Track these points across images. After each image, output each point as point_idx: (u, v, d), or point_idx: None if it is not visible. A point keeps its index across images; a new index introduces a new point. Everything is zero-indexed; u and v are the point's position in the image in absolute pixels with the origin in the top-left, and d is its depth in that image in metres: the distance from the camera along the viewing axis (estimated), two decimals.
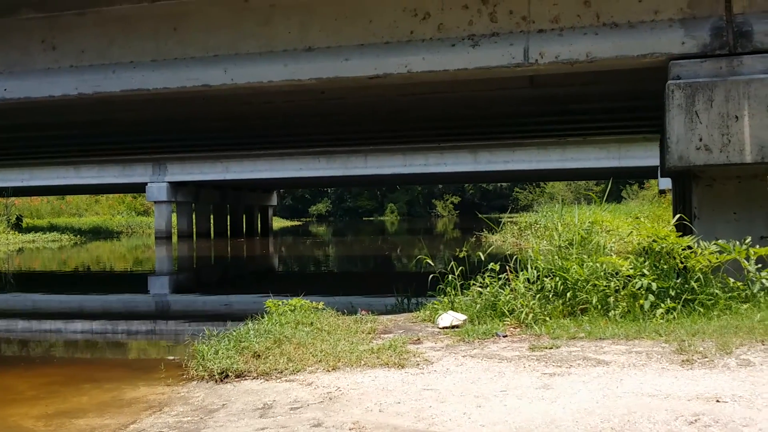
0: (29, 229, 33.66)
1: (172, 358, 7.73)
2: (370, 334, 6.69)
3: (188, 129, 14.93)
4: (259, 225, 40.84)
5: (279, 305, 7.68)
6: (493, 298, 7.15)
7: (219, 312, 12.17)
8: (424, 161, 30.16)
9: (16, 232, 31.70)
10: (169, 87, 8.72)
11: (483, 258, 7.58)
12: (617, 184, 45.03)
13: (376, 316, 7.62)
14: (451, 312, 7.08)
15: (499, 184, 70.75)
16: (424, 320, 7.39)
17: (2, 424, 4.92)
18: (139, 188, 34.73)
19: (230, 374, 5.61)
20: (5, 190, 32.02)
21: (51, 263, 23.10)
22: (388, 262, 23.74)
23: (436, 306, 7.47)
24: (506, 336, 6.31)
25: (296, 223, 67.99)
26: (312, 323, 6.95)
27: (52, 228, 35.34)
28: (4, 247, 27.44)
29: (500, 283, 7.28)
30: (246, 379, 5.52)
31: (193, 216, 34.60)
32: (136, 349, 9.12)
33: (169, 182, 31.96)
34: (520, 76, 8.84)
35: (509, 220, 25.39)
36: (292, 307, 7.63)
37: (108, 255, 27.09)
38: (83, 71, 8.82)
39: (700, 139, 7.18)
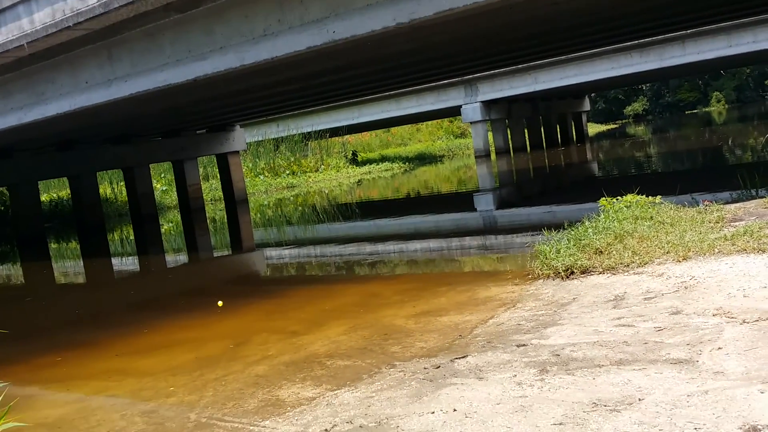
0: (364, 162, 36.95)
1: (511, 265, 8.04)
2: (717, 223, 6.31)
3: (495, 43, 14.99)
4: (574, 132, 39.97)
5: (614, 202, 7.56)
6: None
7: (544, 221, 12.30)
8: (753, 38, 26.79)
9: (354, 166, 34.98)
10: (477, 0, 8.81)
11: None
12: None
13: (721, 206, 7.15)
14: None
15: None
16: None
17: (379, 323, 5.57)
18: (453, 112, 35.93)
19: (575, 271, 5.70)
20: (340, 129, 35.50)
21: (386, 191, 25.12)
22: (719, 154, 21.88)
23: None
24: None
25: (611, 126, 65.27)
26: (651, 217, 6.74)
27: (382, 159, 38.28)
28: (346, 180, 30.47)
29: None
30: (591, 275, 5.57)
31: (508, 131, 34.97)
32: (476, 259, 9.63)
33: (481, 102, 32.58)
34: None
35: None
36: (628, 204, 7.46)
37: (434, 178, 28.68)
38: (398, 1, 9.27)
39: None
